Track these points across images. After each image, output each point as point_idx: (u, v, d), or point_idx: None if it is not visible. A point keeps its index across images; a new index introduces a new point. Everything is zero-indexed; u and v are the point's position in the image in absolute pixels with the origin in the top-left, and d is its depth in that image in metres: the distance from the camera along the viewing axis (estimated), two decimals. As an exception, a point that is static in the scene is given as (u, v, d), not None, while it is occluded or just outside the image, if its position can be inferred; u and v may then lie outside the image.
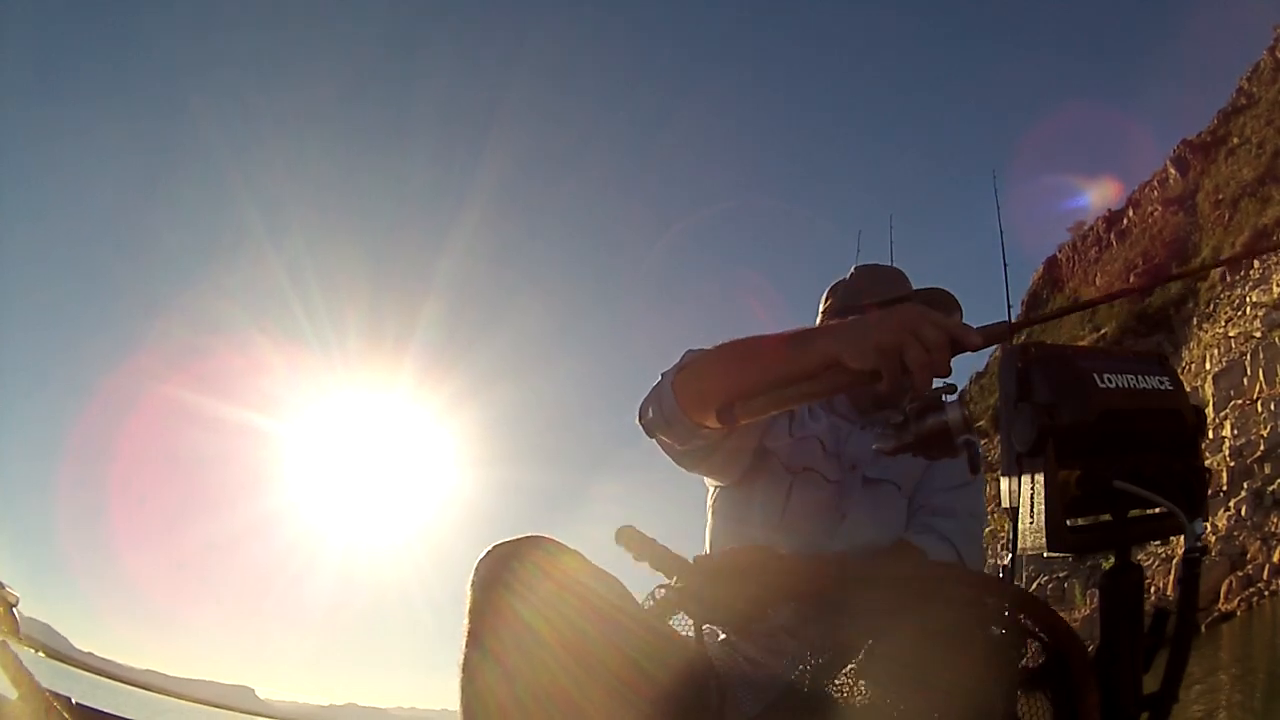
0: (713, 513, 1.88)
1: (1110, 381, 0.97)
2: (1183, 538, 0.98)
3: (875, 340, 1.23)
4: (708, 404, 1.44)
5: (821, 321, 2.04)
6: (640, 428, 1.61)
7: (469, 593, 1.28)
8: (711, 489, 1.91)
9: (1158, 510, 0.97)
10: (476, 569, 1.29)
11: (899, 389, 1.22)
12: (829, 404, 1.92)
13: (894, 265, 2.12)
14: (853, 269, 2.10)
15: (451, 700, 1.27)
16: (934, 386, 1.27)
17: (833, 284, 2.08)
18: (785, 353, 1.35)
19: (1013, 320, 1.27)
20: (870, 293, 1.93)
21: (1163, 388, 1.01)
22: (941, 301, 1.92)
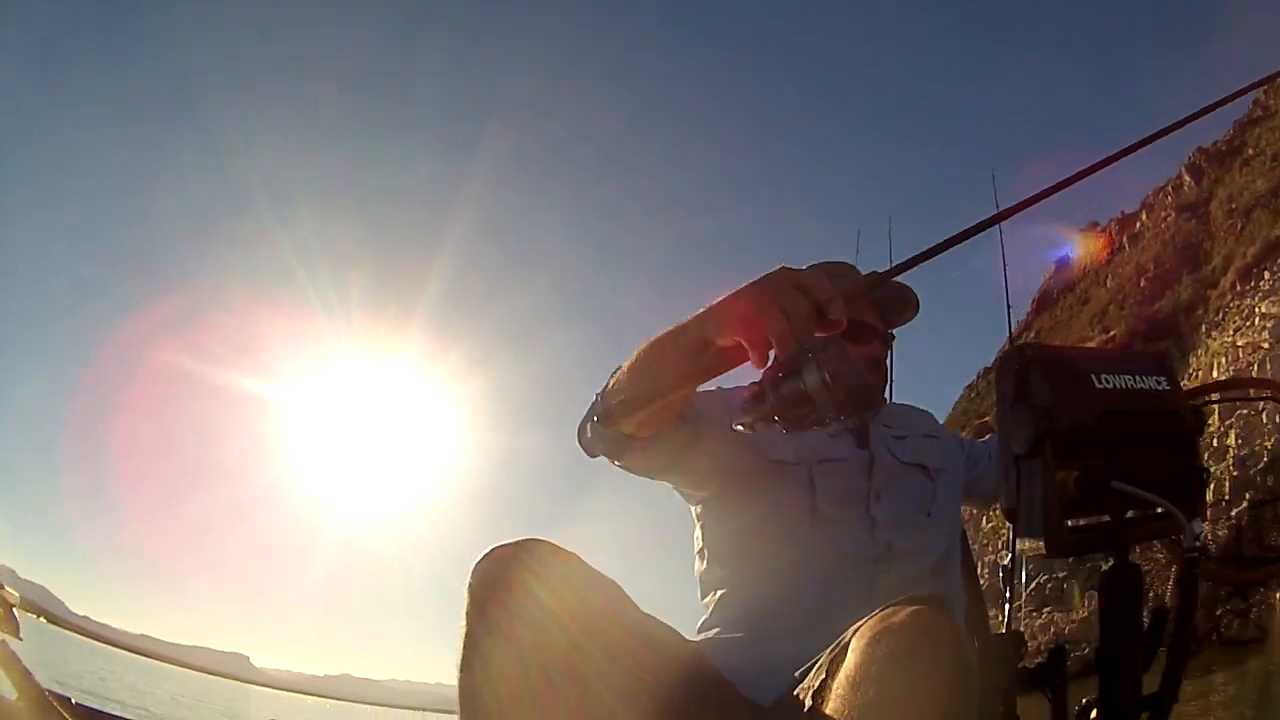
0: (709, 528, 1.79)
1: (1108, 382, 0.98)
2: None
3: (734, 312, 1.16)
4: (627, 411, 1.37)
5: None
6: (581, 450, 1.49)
7: (468, 589, 1.27)
8: (695, 506, 1.81)
9: (1156, 511, 0.97)
10: (474, 570, 1.28)
11: (765, 363, 1.14)
12: None
13: (846, 261, 1.91)
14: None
15: (446, 674, 1.27)
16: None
17: None
18: (668, 341, 1.30)
19: (889, 267, 1.21)
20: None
21: (1160, 388, 1.01)
22: (892, 297, 1.85)
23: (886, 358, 1.89)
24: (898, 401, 2.01)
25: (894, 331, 1.90)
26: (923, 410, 1.99)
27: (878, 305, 1.86)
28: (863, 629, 1.14)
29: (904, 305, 1.87)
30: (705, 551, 1.78)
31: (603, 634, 1.28)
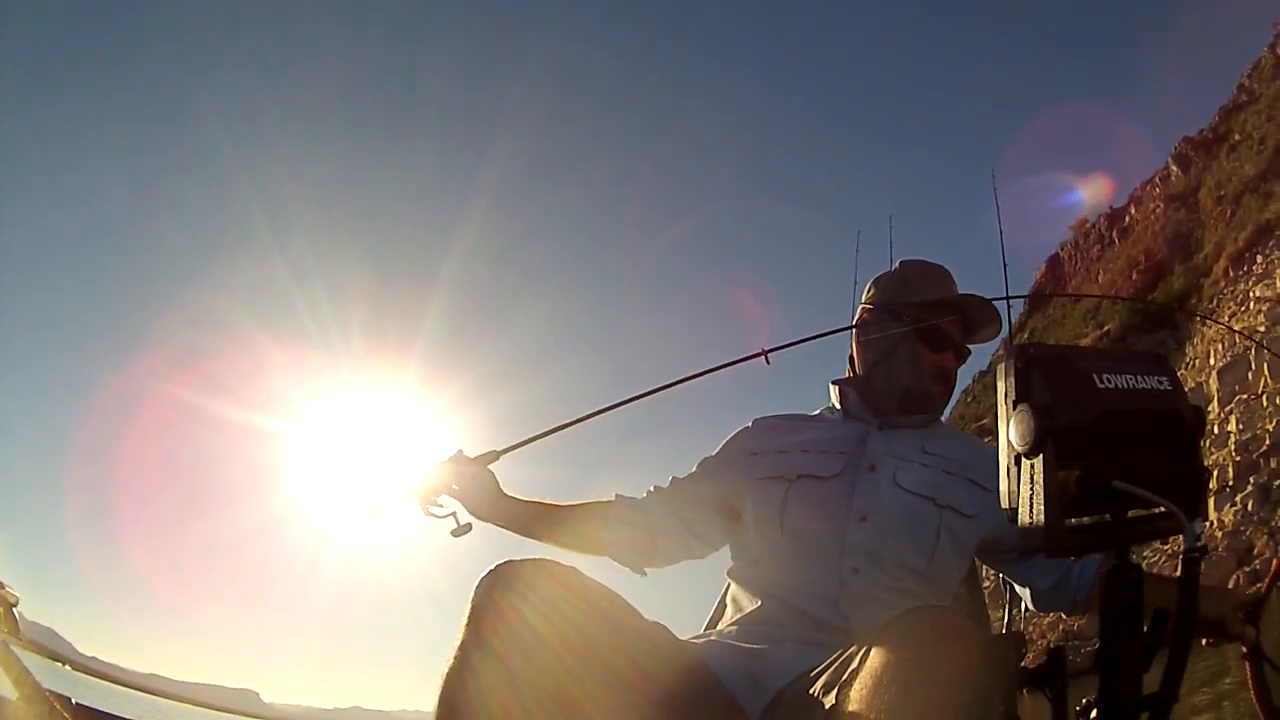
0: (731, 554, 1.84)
1: (1109, 382, 0.97)
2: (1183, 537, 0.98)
3: None
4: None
5: (863, 315, 1.94)
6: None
7: (470, 603, 1.31)
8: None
9: (1157, 510, 0.97)
10: (477, 587, 1.32)
11: None
12: (844, 408, 1.87)
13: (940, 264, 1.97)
14: (898, 263, 1.99)
15: None
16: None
17: (876, 276, 1.98)
18: None
19: None
20: (917, 289, 1.87)
21: (1161, 388, 1.00)
22: (980, 313, 1.86)
23: (955, 372, 1.87)
24: (971, 435, 1.97)
25: (970, 348, 1.90)
26: (990, 451, 1.79)
27: (964, 318, 1.86)
28: (888, 630, 1.17)
29: (987, 323, 1.87)
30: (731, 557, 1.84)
31: (598, 660, 1.30)
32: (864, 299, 1.98)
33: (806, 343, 2.08)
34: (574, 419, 1.99)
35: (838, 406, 1.89)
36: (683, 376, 2.06)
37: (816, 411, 1.96)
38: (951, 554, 1.66)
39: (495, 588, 1.30)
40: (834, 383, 1.93)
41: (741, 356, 2.06)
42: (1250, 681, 1.55)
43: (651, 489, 1.88)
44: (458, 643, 1.28)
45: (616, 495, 1.88)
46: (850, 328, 1.98)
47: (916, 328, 1.82)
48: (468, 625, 1.28)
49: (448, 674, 1.26)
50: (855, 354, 1.93)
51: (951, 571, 1.70)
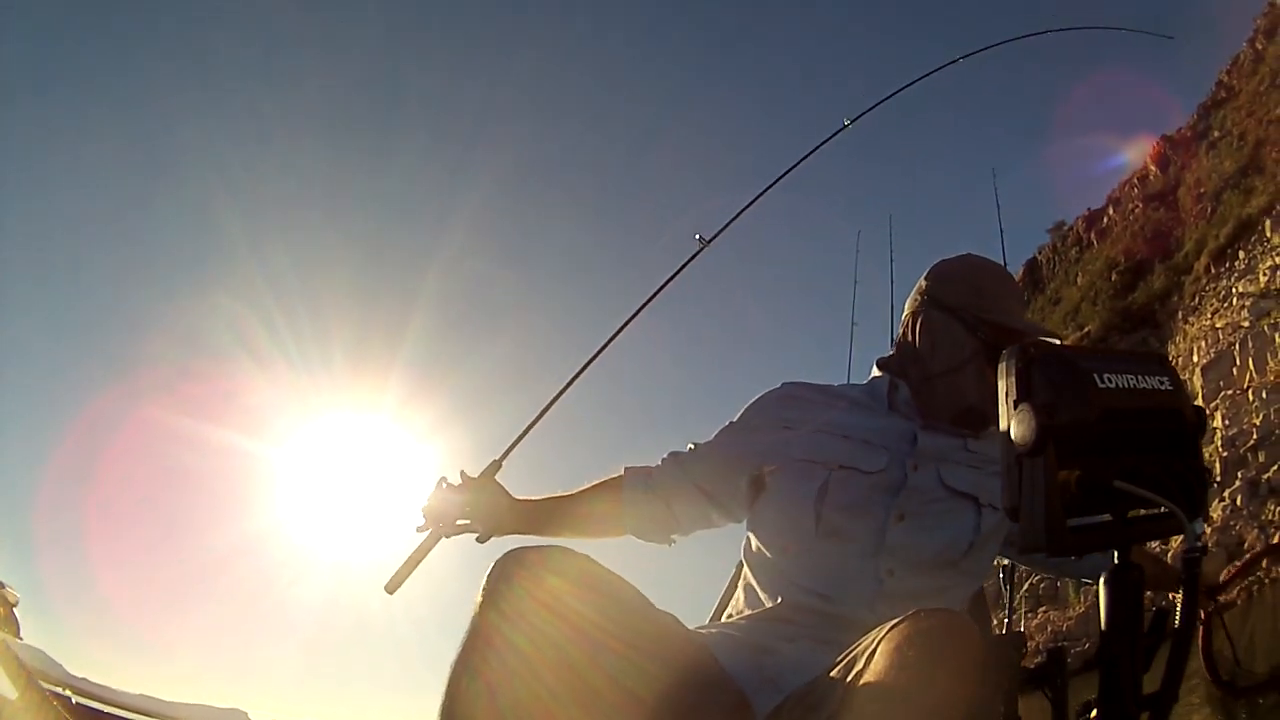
0: (750, 518, 1.76)
1: (1110, 381, 0.96)
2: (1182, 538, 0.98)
3: None
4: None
5: (918, 305, 1.76)
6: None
7: (481, 592, 1.31)
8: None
9: (1158, 510, 0.97)
10: (488, 576, 1.31)
11: None
12: (892, 400, 1.73)
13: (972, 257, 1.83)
14: (964, 257, 1.83)
15: None
16: None
17: (937, 264, 1.80)
18: None
19: None
20: (995, 306, 1.71)
21: (1163, 388, 1.00)
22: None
23: None
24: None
25: None
26: None
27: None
28: (893, 632, 1.16)
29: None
30: (747, 538, 1.77)
31: (604, 654, 1.30)
32: (920, 286, 1.80)
33: (744, 214, 2.39)
34: (558, 392, 2.08)
35: (881, 391, 1.76)
36: (637, 308, 2.14)
37: (840, 384, 1.83)
38: (987, 549, 1.64)
39: (502, 579, 1.29)
40: (880, 366, 1.80)
41: (686, 259, 2.27)
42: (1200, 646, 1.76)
43: (667, 455, 1.82)
44: (465, 634, 1.28)
45: (626, 469, 1.83)
46: (781, 176, 2.18)
47: (988, 350, 1.66)
48: (475, 618, 1.28)
49: (454, 667, 1.26)
50: (917, 347, 1.75)
51: (985, 566, 1.69)
